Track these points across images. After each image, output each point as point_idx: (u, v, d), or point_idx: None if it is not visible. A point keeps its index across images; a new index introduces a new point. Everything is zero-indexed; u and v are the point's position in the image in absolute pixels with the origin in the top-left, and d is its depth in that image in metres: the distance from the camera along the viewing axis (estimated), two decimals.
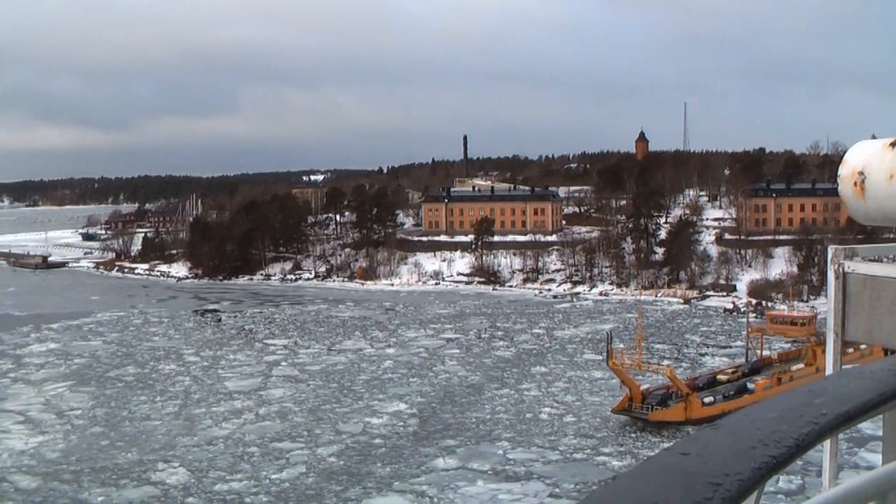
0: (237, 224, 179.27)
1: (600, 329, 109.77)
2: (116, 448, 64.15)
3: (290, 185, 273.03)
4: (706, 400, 68.46)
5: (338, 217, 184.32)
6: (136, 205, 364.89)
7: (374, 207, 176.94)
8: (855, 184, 5.26)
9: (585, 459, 59.19)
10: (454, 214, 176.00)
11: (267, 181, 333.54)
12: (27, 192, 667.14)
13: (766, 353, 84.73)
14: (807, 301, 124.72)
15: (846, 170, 5.32)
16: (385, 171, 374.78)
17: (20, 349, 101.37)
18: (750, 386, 72.20)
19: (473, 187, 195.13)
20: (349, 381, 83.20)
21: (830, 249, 5.47)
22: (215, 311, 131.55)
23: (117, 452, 63.03)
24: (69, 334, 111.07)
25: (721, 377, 75.69)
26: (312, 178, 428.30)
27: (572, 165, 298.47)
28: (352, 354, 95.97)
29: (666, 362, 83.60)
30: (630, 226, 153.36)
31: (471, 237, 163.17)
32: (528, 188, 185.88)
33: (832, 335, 5.43)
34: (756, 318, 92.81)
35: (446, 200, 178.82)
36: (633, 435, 64.85)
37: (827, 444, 4.67)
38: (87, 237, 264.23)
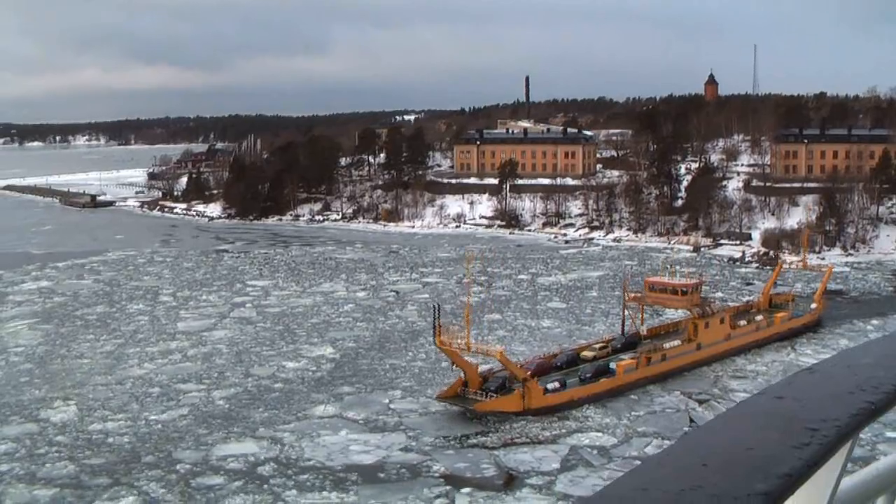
0: (272, 164, 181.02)
1: (587, 276, 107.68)
2: (32, 385, 65.68)
3: (378, 125, 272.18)
4: (549, 386, 58.83)
5: (371, 158, 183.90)
6: (219, 144, 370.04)
7: (407, 149, 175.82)
8: None
9: (465, 413, 57.98)
10: (486, 157, 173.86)
11: (355, 121, 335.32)
12: (123, 131, 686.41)
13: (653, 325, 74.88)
14: (819, 252, 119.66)
15: None
16: (467, 111, 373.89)
17: (12, 287, 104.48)
18: (612, 366, 62.65)
19: (507, 129, 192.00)
20: (297, 325, 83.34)
21: None
22: (224, 251, 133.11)
23: (28, 389, 64.55)
24: (68, 273, 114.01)
25: (586, 354, 65.96)
26: (406, 118, 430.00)
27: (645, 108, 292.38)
28: (320, 297, 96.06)
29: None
30: (654, 171, 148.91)
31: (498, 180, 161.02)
32: (561, 130, 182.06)
33: None
34: (635, 289, 78.63)
35: (478, 142, 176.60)
36: None
37: None
38: (153, 176, 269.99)
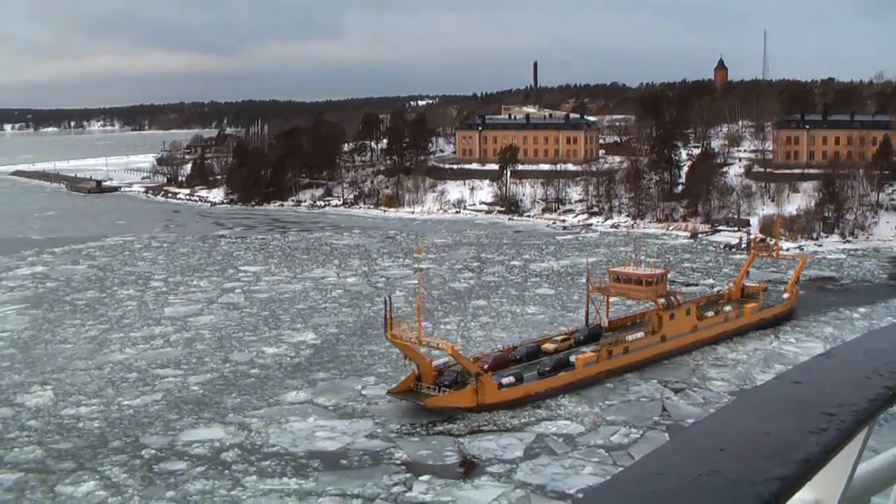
0: (275, 150, 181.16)
1: (580, 263, 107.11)
2: (12, 370, 66.04)
3: (391, 111, 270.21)
4: (504, 381, 56.70)
5: (373, 144, 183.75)
6: (230, 129, 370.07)
7: (409, 135, 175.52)
8: None
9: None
10: (487, 142, 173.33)
11: (369, 107, 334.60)
12: (137, 116, 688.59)
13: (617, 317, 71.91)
14: (817, 239, 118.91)
15: None
16: (479, 97, 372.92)
17: (7, 272, 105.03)
18: (572, 360, 60.53)
19: (509, 115, 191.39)
20: (282, 310, 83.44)
21: None
22: (221, 236, 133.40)
23: (8, 374, 64.93)
24: (64, 258, 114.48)
25: (547, 347, 63.65)
26: (420, 103, 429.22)
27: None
28: (310, 282, 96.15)
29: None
30: (655, 156, 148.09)
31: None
32: (563, 115, 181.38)
33: None
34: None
35: (480, 128, 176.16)
36: None
37: None
38: (161, 162, 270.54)
